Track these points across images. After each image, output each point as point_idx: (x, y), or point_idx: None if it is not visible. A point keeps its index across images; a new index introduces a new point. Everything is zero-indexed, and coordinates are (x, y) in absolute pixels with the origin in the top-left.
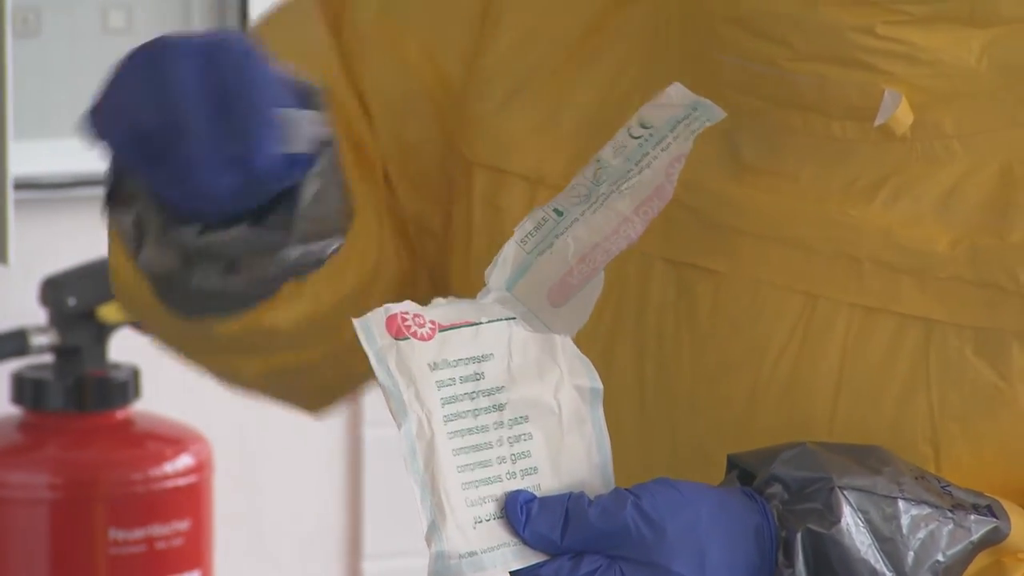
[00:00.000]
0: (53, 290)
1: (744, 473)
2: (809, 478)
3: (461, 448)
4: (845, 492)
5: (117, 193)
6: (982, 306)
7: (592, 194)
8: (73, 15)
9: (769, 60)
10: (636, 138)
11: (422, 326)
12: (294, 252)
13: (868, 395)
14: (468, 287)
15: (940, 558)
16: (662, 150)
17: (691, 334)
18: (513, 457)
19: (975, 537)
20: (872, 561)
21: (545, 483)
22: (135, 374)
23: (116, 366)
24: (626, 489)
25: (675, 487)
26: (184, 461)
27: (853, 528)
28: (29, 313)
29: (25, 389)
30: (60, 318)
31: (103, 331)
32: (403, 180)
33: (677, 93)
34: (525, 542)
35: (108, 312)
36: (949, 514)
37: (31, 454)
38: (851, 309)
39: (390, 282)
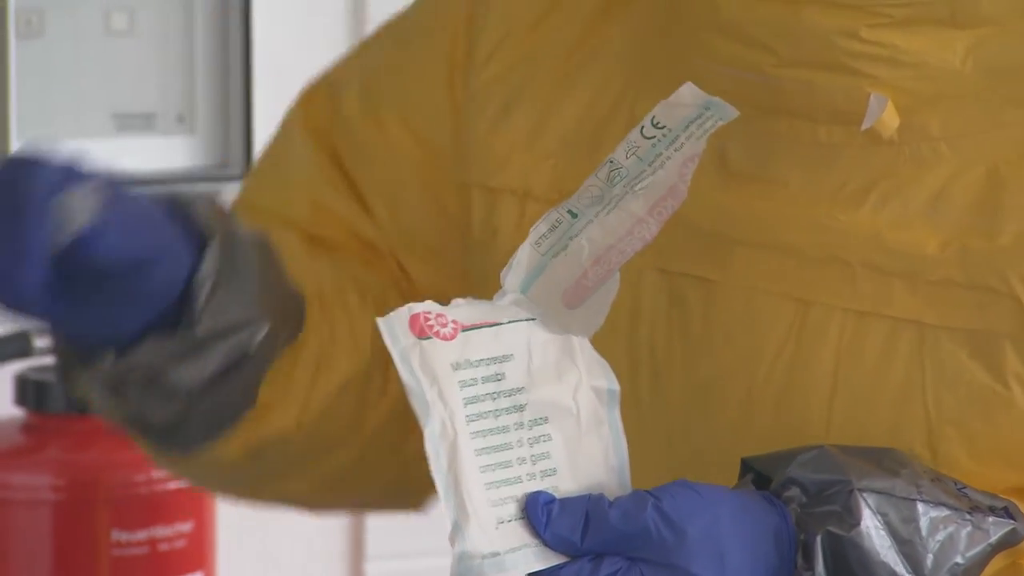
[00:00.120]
0: None
1: (758, 477)
2: (827, 481)
3: (483, 448)
4: (864, 494)
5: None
6: (973, 308)
7: (606, 195)
8: (76, 16)
9: (754, 67)
10: (649, 138)
11: (444, 326)
12: (214, 352)
13: (864, 400)
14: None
15: (959, 560)
16: (675, 150)
17: (684, 343)
18: (533, 458)
19: (993, 539)
20: (892, 564)
21: (563, 485)
22: None
23: None
24: (646, 491)
25: (695, 489)
26: None
27: (873, 530)
28: None
29: (28, 391)
30: None
31: None
32: (413, 262)
33: (689, 93)
34: (545, 543)
35: None
36: (967, 516)
37: (34, 456)
38: (844, 314)
39: None
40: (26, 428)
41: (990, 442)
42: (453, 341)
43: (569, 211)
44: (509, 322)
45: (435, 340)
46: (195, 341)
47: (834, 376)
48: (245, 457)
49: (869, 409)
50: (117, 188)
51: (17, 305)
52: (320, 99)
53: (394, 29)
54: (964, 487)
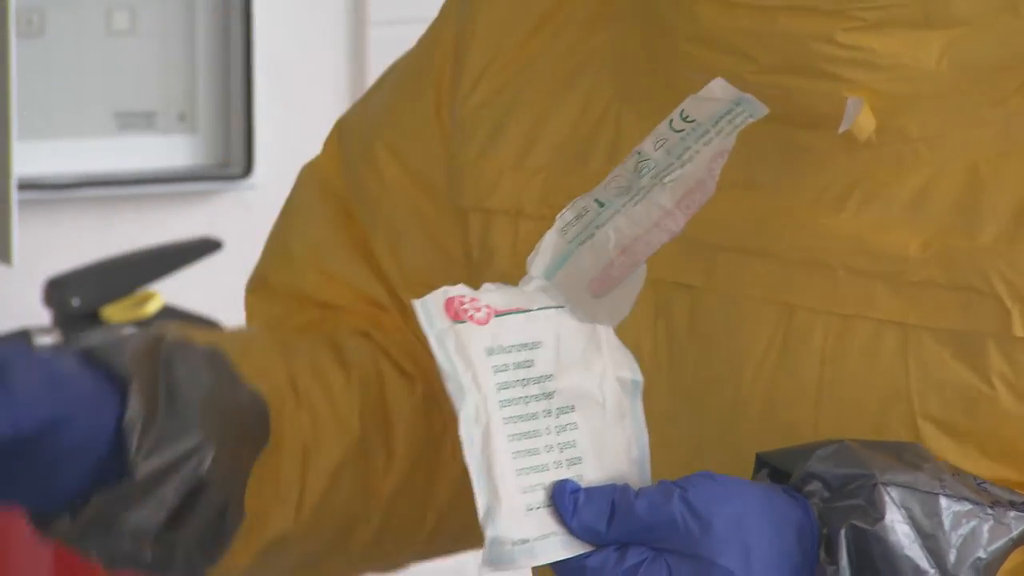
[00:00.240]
0: (57, 290)
1: (774, 472)
2: (850, 475)
3: (515, 435)
4: (888, 488)
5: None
6: (956, 309)
7: (633, 186)
8: (77, 16)
9: (734, 75)
10: (678, 131)
11: (478, 310)
12: (166, 488)
13: (849, 402)
14: None
15: (981, 555)
16: (704, 144)
17: (669, 350)
18: (560, 446)
19: (1015, 534)
20: (915, 558)
21: (588, 474)
22: None
23: None
24: (671, 482)
25: (719, 481)
26: None
27: (896, 524)
28: (32, 313)
29: None
30: (63, 318)
31: None
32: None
33: (720, 88)
34: (572, 532)
35: (111, 312)
36: (989, 511)
37: None
38: (828, 317)
39: (408, 415)
40: None
41: (976, 441)
42: (487, 326)
43: (596, 200)
44: (539, 309)
45: (469, 324)
46: (140, 485)
47: (819, 379)
48: (258, 562)
49: (855, 411)
50: (8, 360)
51: None
52: (331, 145)
53: (396, 67)
54: (983, 482)
